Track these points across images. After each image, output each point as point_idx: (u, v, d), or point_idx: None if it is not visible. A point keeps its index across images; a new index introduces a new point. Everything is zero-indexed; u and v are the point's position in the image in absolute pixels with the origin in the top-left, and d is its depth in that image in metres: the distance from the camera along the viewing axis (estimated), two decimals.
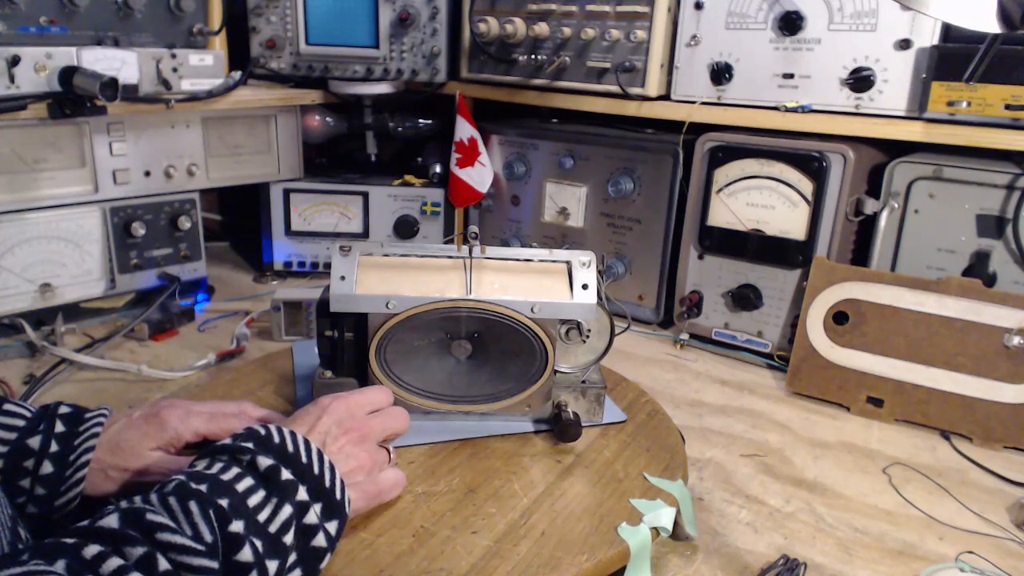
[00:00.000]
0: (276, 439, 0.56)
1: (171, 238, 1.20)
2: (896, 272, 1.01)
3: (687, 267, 1.15)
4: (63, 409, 0.65)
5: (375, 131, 1.43)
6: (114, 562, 0.42)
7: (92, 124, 1.09)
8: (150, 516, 0.46)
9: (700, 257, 1.14)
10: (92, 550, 0.43)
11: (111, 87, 0.96)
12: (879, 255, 1.02)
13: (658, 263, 1.20)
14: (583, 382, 0.81)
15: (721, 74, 1.09)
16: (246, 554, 0.47)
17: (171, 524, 0.46)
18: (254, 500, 0.51)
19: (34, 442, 0.61)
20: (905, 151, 1.00)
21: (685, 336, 1.17)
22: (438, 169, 1.41)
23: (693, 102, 1.12)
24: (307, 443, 0.57)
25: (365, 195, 1.37)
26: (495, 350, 0.78)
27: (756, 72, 1.07)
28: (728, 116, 1.09)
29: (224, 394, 0.85)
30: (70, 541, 0.43)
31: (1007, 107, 0.89)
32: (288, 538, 0.51)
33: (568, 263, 0.77)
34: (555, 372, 0.79)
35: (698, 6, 1.09)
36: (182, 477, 0.51)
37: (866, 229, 1.04)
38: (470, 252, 0.76)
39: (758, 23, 1.05)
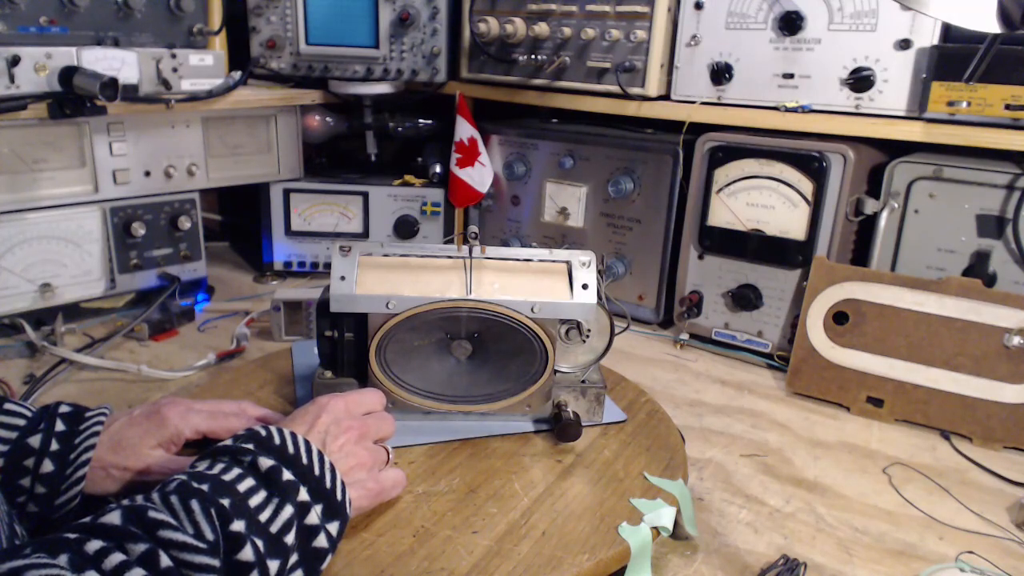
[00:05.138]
0: (277, 440, 0.56)
1: (171, 238, 1.20)
2: (896, 272, 1.01)
3: (687, 267, 1.15)
4: (63, 408, 0.65)
5: (375, 131, 1.43)
6: (116, 557, 0.43)
7: (92, 124, 1.09)
8: (152, 514, 0.46)
9: (700, 257, 1.14)
10: (94, 545, 0.43)
11: (111, 87, 0.96)
12: (879, 255, 1.02)
13: (658, 263, 1.20)
14: (583, 382, 0.81)
15: (721, 74, 1.09)
16: (247, 553, 0.47)
17: (173, 522, 0.46)
18: (255, 500, 0.51)
19: (34, 441, 0.61)
20: (905, 151, 1.01)
21: (685, 336, 1.17)
22: (438, 169, 1.41)
23: (693, 102, 1.12)
24: (307, 444, 0.57)
25: (365, 195, 1.37)
26: (495, 350, 0.78)
27: (756, 72, 1.07)
28: (728, 116, 1.09)
29: (224, 394, 0.85)
30: (72, 536, 0.43)
31: (1007, 107, 0.89)
32: (289, 538, 0.51)
33: (568, 263, 0.77)
34: (555, 372, 0.79)
35: (698, 6, 1.09)
36: (183, 477, 0.51)
37: (866, 229, 1.04)
38: (470, 252, 0.76)
39: (758, 23, 1.05)
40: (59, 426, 0.62)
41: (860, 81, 0.99)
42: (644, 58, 1.13)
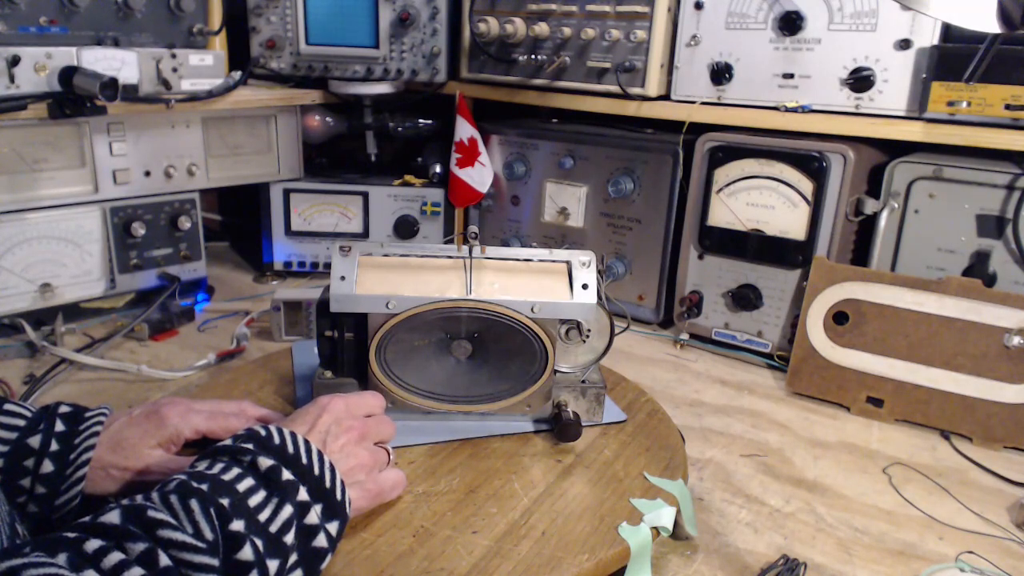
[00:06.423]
0: (276, 440, 0.56)
1: (171, 238, 1.20)
2: (896, 272, 1.01)
3: (687, 267, 1.15)
4: (63, 408, 0.65)
5: (375, 131, 1.43)
6: (115, 556, 0.42)
7: (92, 124, 1.09)
8: (151, 513, 0.46)
9: (700, 257, 1.14)
10: (93, 544, 0.43)
11: (111, 87, 0.97)
12: (879, 255, 1.02)
13: (658, 263, 1.20)
14: (583, 382, 0.81)
15: (721, 74, 1.09)
16: (247, 553, 0.47)
17: (172, 521, 0.46)
18: (255, 500, 0.51)
19: (34, 441, 0.61)
20: (905, 151, 1.01)
21: (685, 336, 1.17)
22: (438, 169, 1.41)
23: (693, 102, 1.12)
24: (307, 444, 0.57)
25: (365, 195, 1.37)
26: (495, 350, 0.78)
27: (756, 72, 1.07)
28: (728, 116, 1.09)
29: (224, 394, 0.85)
30: (71, 535, 0.43)
31: (1007, 107, 0.89)
32: (289, 538, 0.51)
33: (568, 263, 0.77)
34: (555, 372, 0.79)
35: (698, 6, 1.09)
36: (183, 476, 0.51)
37: (866, 229, 1.04)
38: (470, 252, 0.76)
39: (758, 23, 1.05)
40: (59, 426, 0.62)
41: (860, 81, 0.99)
42: (644, 58, 1.13)
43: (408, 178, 1.41)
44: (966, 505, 0.78)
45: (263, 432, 0.57)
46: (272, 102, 1.30)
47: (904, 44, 0.96)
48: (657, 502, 0.67)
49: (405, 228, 1.38)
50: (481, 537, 0.62)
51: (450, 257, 0.77)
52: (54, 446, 0.61)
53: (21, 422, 0.62)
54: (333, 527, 0.55)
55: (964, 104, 0.91)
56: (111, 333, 1.08)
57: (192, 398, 0.74)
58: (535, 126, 1.33)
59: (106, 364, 0.99)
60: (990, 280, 0.94)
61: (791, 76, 1.04)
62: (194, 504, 0.48)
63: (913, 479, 0.82)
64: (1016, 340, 0.87)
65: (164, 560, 0.44)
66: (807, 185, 1.02)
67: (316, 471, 0.56)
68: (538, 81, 1.24)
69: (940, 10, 0.70)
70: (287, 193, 1.35)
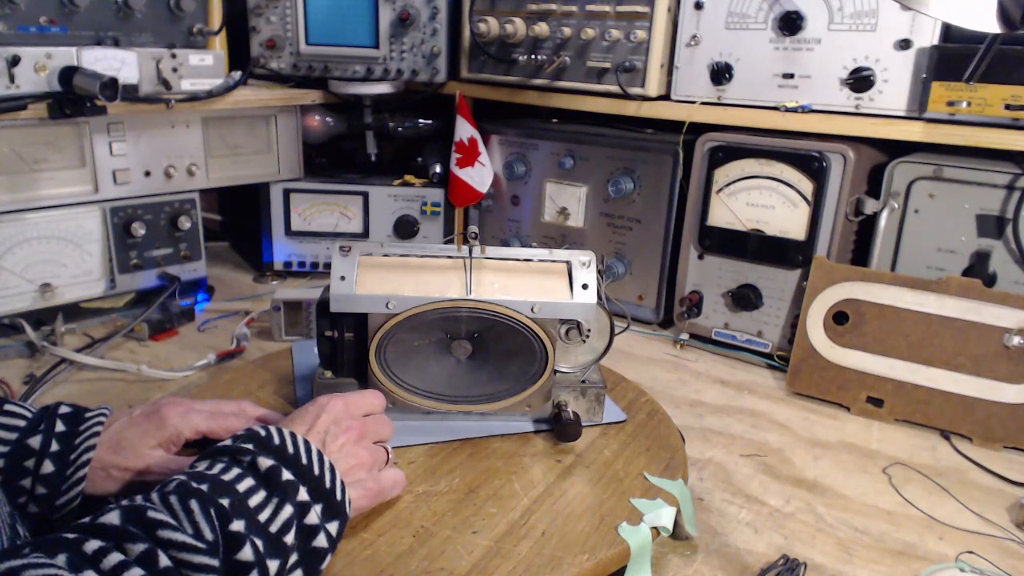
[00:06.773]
0: (276, 440, 0.56)
1: (171, 238, 1.20)
2: (896, 272, 1.01)
3: (687, 267, 1.15)
4: (63, 409, 0.65)
5: (375, 131, 1.43)
6: (115, 557, 0.43)
7: (92, 124, 1.09)
8: (151, 513, 0.46)
9: (700, 257, 1.14)
10: (93, 545, 0.43)
11: (111, 87, 0.96)
12: (879, 255, 1.02)
13: (658, 263, 1.20)
14: (583, 382, 0.81)
15: (721, 74, 1.09)
16: (247, 553, 0.47)
17: (172, 522, 0.46)
18: (255, 500, 0.51)
19: (35, 442, 0.61)
20: (905, 151, 1.01)
21: (685, 336, 1.17)
22: (438, 169, 1.41)
23: (693, 102, 1.12)
24: (307, 444, 0.57)
25: (365, 195, 1.37)
26: (495, 350, 0.78)
27: (756, 72, 1.07)
28: (728, 116, 1.09)
29: (224, 394, 0.85)
30: (71, 536, 0.43)
31: (1007, 107, 0.89)
32: (289, 538, 0.51)
33: (568, 263, 0.77)
34: (555, 372, 0.79)
35: (698, 6, 1.09)
36: (183, 477, 0.51)
37: (866, 229, 1.04)
38: (470, 252, 0.76)
39: (758, 23, 1.05)
40: (59, 427, 0.62)
41: (860, 81, 0.99)
42: (644, 58, 1.13)
43: (408, 178, 1.41)
44: (966, 505, 0.78)
45: (263, 432, 0.57)
46: (272, 102, 1.30)
47: (904, 44, 0.96)
48: (657, 502, 0.67)
49: (405, 228, 1.38)
50: (481, 537, 0.62)
51: (450, 257, 0.77)
52: (54, 446, 0.61)
53: (21, 422, 0.62)
54: (333, 527, 0.55)
55: (964, 104, 0.91)
56: (111, 333, 1.08)
57: (192, 398, 0.74)
58: (535, 126, 1.33)
59: (106, 364, 0.99)
60: (990, 280, 0.94)
61: (791, 76, 1.04)
62: (194, 504, 0.48)
63: (913, 479, 0.82)
64: (1016, 340, 0.87)
65: (164, 560, 0.44)
66: (807, 185, 1.02)
67: (316, 471, 0.56)
68: (538, 81, 1.24)
69: (940, 10, 0.70)
70: (287, 193, 1.35)
